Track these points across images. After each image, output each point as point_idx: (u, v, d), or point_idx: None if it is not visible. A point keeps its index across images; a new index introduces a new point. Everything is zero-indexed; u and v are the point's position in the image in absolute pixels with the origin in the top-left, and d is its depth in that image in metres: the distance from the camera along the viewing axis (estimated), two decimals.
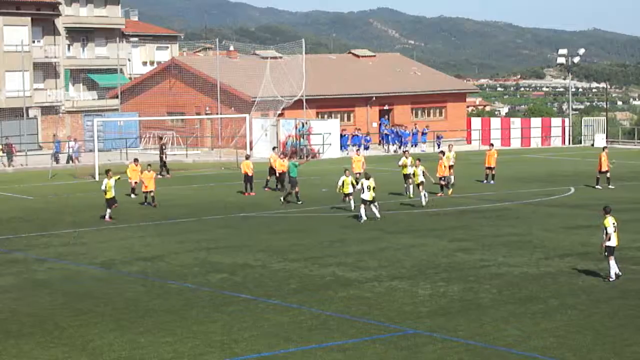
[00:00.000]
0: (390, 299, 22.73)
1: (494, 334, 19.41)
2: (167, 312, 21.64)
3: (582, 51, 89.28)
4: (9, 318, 21.24)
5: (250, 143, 62.43)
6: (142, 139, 74.93)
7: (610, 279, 24.23)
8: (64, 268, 27.22)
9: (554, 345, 18.63)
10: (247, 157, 46.49)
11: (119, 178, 37.70)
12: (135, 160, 44.57)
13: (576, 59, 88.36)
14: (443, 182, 42.82)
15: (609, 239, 24.38)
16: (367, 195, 35.03)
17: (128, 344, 18.99)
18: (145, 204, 40.58)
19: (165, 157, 54.81)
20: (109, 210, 36.27)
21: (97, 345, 19.00)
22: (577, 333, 19.48)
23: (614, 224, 24.47)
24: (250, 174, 44.71)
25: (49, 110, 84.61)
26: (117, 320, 20.90)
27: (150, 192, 40.36)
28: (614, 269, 24.33)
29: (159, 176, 53.90)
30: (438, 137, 74.58)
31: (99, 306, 22.23)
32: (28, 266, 27.56)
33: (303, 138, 67.02)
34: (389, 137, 73.98)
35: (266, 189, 45.53)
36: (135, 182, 43.00)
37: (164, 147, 55.65)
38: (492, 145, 50.20)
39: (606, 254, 24.44)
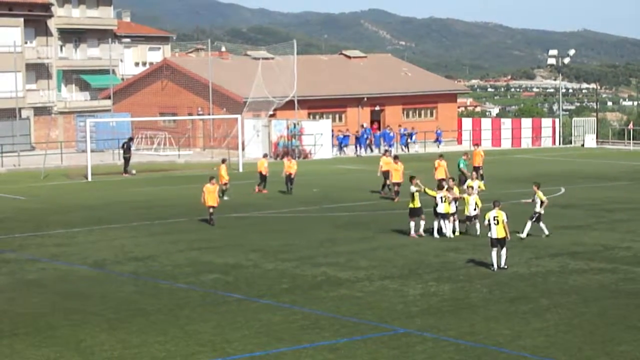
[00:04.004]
0: (381, 298, 22.82)
1: (484, 333, 19.50)
2: (159, 312, 21.69)
3: (572, 52, 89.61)
4: (1, 318, 21.25)
5: (243, 143, 62.48)
6: (135, 140, 74.83)
7: (492, 269, 25.65)
8: (56, 268, 27.23)
9: (544, 344, 18.73)
10: (265, 156, 46.54)
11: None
12: (224, 160, 42.94)
13: (566, 60, 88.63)
14: (397, 188, 40.97)
15: (490, 231, 26.06)
16: (442, 208, 31.66)
17: (120, 344, 19.04)
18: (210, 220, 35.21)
19: (130, 155, 55.56)
20: (422, 223, 31.53)
21: (89, 344, 19.04)
22: (567, 332, 19.59)
23: (495, 217, 25.99)
24: (264, 173, 44.60)
25: (41, 111, 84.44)
26: (109, 320, 20.95)
27: (211, 207, 34.88)
28: (495, 259, 25.79)
29: (125, 174, 54.29)
30: (437, 134, 74.77)
31: (91, 306, 22.28)
32: (20, 266, 27.56)
33: (295, 139, 67.11)
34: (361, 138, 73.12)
35: (382, 192, 43.06)
36: (226, 183, 41.58)
37: (129, 146, 56.07)
38: (477, 145, 50.35)
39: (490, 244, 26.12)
